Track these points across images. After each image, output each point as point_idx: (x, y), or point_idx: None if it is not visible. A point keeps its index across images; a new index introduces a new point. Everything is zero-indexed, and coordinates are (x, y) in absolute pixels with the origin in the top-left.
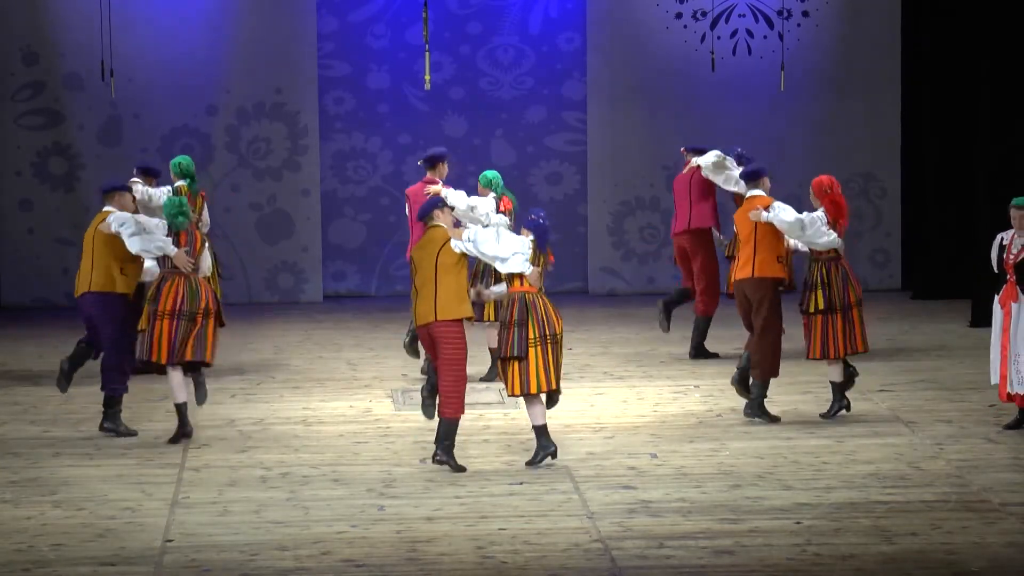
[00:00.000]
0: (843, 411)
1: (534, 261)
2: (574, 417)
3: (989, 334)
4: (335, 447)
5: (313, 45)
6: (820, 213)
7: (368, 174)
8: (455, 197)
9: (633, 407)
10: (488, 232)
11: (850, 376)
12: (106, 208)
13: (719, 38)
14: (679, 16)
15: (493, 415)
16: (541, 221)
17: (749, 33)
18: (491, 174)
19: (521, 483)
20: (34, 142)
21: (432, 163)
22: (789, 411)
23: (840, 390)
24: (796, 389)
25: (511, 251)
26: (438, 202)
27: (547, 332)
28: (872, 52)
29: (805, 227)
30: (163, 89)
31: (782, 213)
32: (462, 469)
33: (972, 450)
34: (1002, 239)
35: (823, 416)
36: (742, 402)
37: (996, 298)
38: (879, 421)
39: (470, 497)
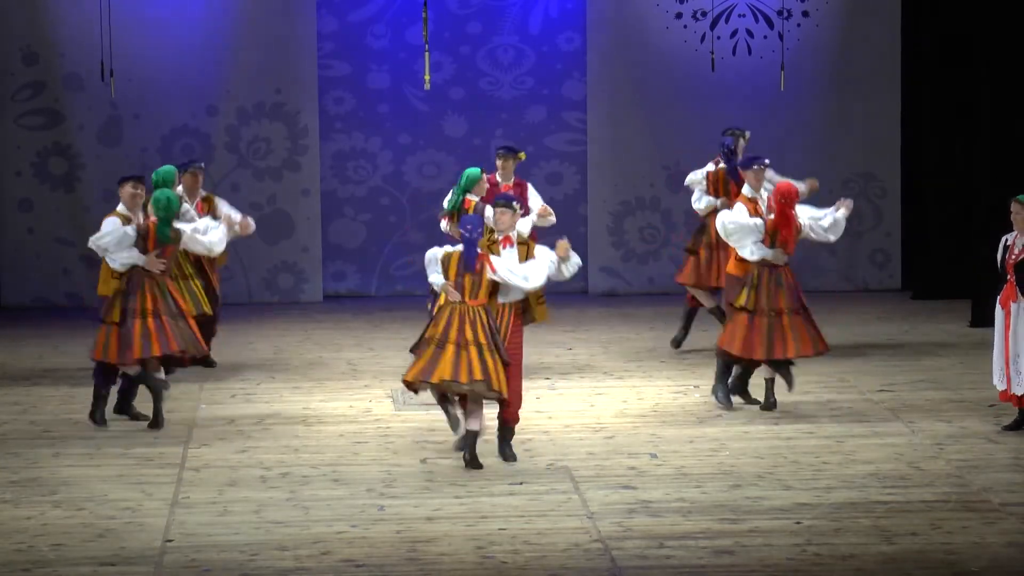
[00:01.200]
0: (754, 405)
1: (457, 275)
2: (574, 417)
3: (989, 334)
4: (335, 447)
5: (313, 45)
6: (756, 223)
7: (368, 174)
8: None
9: (633, 407)
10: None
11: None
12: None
13: (719, 38)
14: (679, 16)
15: (493, 415)
16: (467, 234)
17: (749, 33)
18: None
19: (521, 483)
20: (34, 142)
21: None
22: (789, 411)
23: (768, 385)
24: (796, 389)
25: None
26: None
27: (440, 336)
28: (872, 52)
29: (728, 235)
30: (163, 89)
31: (724, 217)
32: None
33: (972, 450)
34: (1006, 240)
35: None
36: (741, 402)
37: (998, 300)
38: (879, 421)
39: (470, 497)
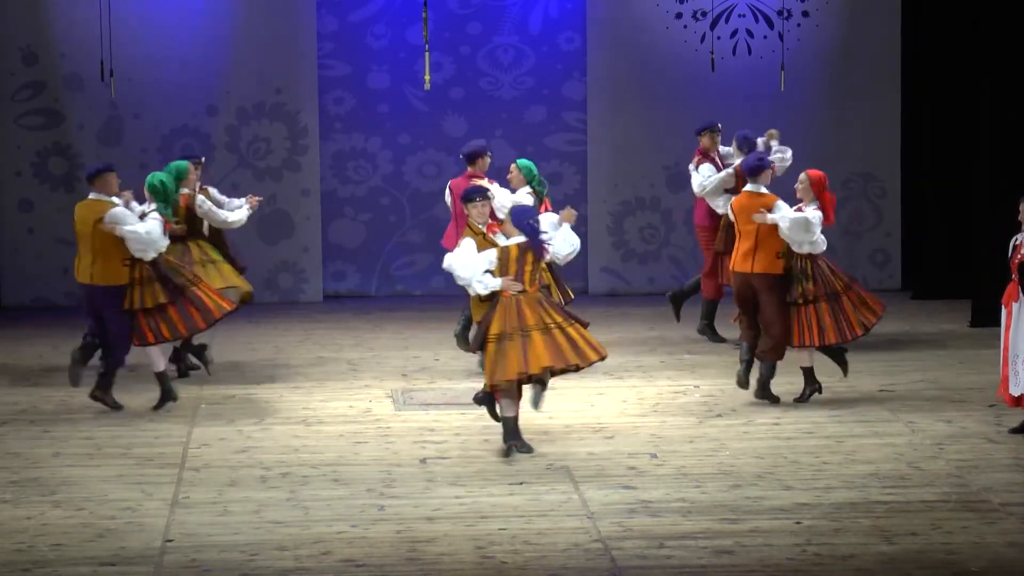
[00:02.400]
0: (816, 393)
1: (518, 266)
2: (574, 417)
3: (989, 334)
4: (335, 447)
5: (313, 45)
6: (818, 214)
7: (368, 174)
8: (500, 196)
9: (633, 407)
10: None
11: (841, 360)
12: (93, 196)
13: (719, 38)
14: (679, 16)
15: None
16: (533, 224)
17: (749, 33)
18: (525, 163)
19: (521, 483)
20: (34, 142)
21: (472, 159)
22: (789, 411)
23: (811, 374)
24: (794, 389)
25: (467, 278)
26: (479, 192)
27: (517, 326)
28: (872, 52)
29: (811, 227)
30: (163, 89)
31: (787, 214)
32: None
33: (972, 450)
34: (1016, 240)
35: (796, 400)
36: (741, 402)
37: (1001, 300)
38: (879, 421)
39: (470, 497)
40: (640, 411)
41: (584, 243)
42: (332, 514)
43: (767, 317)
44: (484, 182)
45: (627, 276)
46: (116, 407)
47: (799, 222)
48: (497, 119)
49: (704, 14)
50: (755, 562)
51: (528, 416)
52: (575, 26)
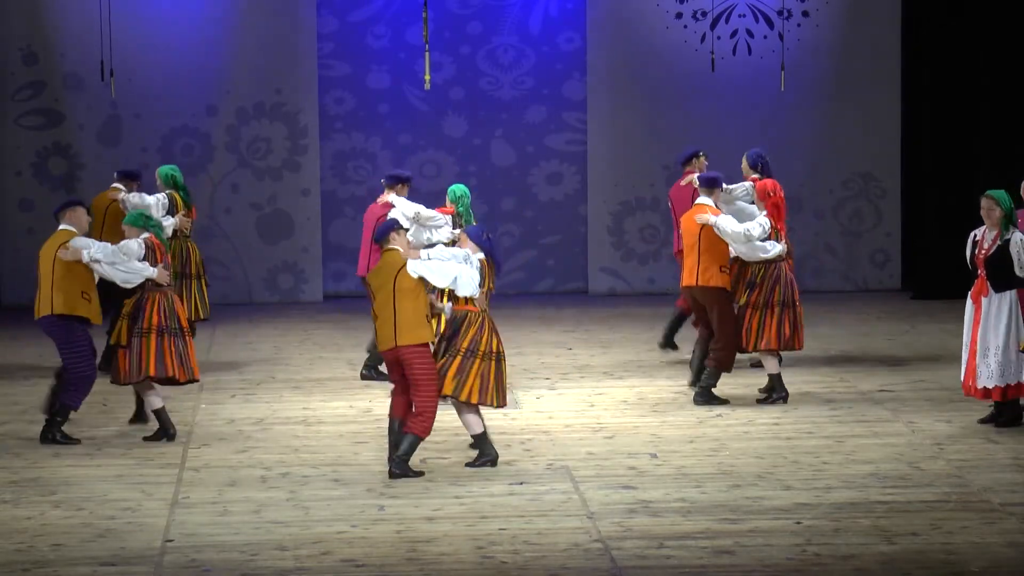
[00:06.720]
0: (781, 401)
1: (481, 282)
2: (574, 417)
3: None
4: (335, 447)
5: (313, 45)
6: (765, 220)
7: (368, 174)
8: (402, 205)
9: (633, 407)
10: (441, 257)
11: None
12: (63, 227)
13: (719, 38)
14: (679, 16)
15: (493, 415)
16: (489, 239)
17: (749, 33)
18: (459, 189)
19: (521, 483)
20: (34, 142)
21: (393, 183)
22: (789, 411)
23: (780, 380)
24: (794, 389)
25: (462, 276)
26: (394, 225)
27: (481, 349)
28: (872, 52)
29: (751, 239)
30: (163, 89)
31: (727, 224)
32: (420, 473)
33: (972, 450)
34: (975, 235)
35: (759, 402)
36: (741, 402)
37: (969, 294)
38: (879, 421)
39: (470, 497)
40: (640, 411)
41: (584, 243)
42: (332, 514)
43: (715, 329)
44: (386, 197)
45: (627, 276)
46: (72, 442)
47: (738, 236)
48: (497, 119)
49: (704, 14)
50: (755, 562)
51: (529, 416)
52: (575, 26)
